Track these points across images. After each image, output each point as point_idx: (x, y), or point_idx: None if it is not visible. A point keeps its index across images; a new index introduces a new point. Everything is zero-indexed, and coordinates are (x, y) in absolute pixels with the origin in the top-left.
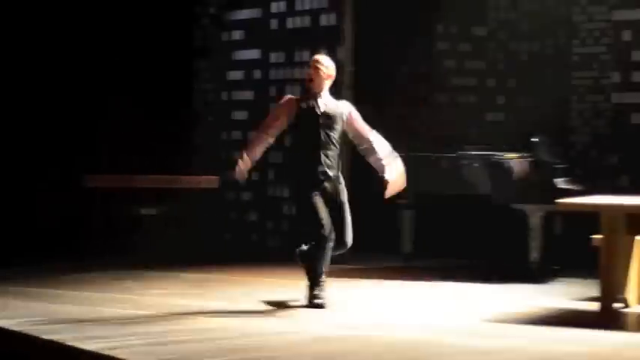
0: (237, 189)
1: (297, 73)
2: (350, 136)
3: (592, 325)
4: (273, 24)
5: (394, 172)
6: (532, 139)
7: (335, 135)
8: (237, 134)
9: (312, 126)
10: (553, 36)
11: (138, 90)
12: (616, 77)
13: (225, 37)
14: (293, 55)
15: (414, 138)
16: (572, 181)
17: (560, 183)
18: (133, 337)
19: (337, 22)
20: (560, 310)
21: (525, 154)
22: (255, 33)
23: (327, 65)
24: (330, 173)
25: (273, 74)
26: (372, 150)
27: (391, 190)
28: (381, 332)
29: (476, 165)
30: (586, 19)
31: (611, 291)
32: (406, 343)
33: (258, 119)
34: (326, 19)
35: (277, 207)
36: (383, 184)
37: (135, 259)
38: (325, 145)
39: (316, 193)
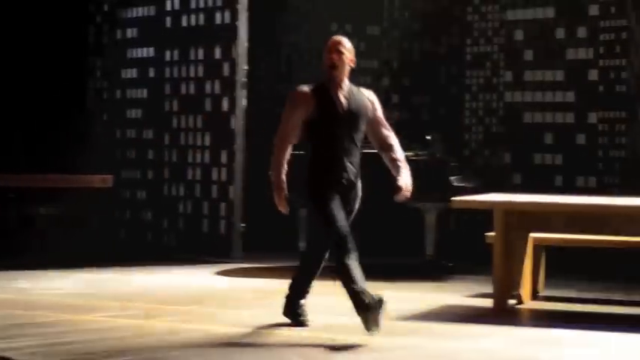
0: (132, 188)
1: (192, 71)
2: (368, 132)
3: (486, 321)
4: (168, 22)
5: (408, 176)
6: (426, 138)
7: (359, 136)
8: (131, 132)
9: (332, 126)
10: (446, 35)
11: (31, 88)
12: (508, 76)
13: (119, 35)
14: (188, 53)
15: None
16: (466, 179)
17: (455, 181)
18: (27, 338)
19: (232, 20)
20: (455, 306)
21: (420, 153)
22: (150, 31)
23: (349, 48)
24: (353, 180)
25: (168, 72)
26: (389, 147)
27: (404, 194)
28: (276, 330)
29: (371, 162)
30: (479, 19)
31: (505, 287)
32: (304, 340)
33: (152, 117)
34: (221, 17)
35: (173, 206)
36: (396, 187)
37: (29, 259)
38: (348, 150)
39: (334, 199)
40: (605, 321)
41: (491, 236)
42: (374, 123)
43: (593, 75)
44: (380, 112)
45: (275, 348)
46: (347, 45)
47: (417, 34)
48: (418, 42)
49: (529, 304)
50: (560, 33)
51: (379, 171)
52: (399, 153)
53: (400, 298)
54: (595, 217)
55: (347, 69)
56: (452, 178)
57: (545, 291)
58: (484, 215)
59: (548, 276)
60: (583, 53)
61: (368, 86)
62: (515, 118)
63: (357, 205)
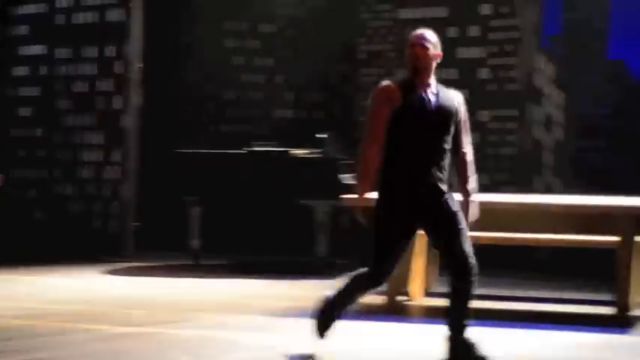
0: (23, 187)
1: (87, 69)
2: None
3: (378, 317)
4: (60, 19)
5: (474, 209)
6: (319, 136)
7: (448, 138)
8: (21, 132)
9: (419, 124)
10: (340, 33)
11: None
12: (401, 74)
13: (9, 32)
14: (80, 51)
15: (203, 135)
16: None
17: (347, 179)
18: None
19: (125, 18)
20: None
21: (312, 151)
22: (41, 28)
23: (434, 42)
24: (439, 185)
25: (60, 70)
26: (463, 164)
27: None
28: (166, 330)
29: (263, 161)
30: (372, 17)
31: (396, 284)
32: (193, 339)
33: (44, 116)
34: (113, 15)
35: (64, 205)
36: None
37: None
38: (435, 151)
39: (397, 224)
40: (489, 316)
41: None
42: (457, 128)
43: (484, 73)
44: (465, 117)
45: (164, 347)
46: (432, 39)
47: (311, 33)
48: (313, 40)
49: (419, 300)
50: (452, 32)
51: (269, 169)
52: (472, 170)
53: (290, 296)
54: (486, 215)
55: (433, 65)
56: (344, 176)
57: (437, 287)
58: None
59: (444, 273)
60: (475, 52)
61: (260, 85)
62: None
63: (455, 208)
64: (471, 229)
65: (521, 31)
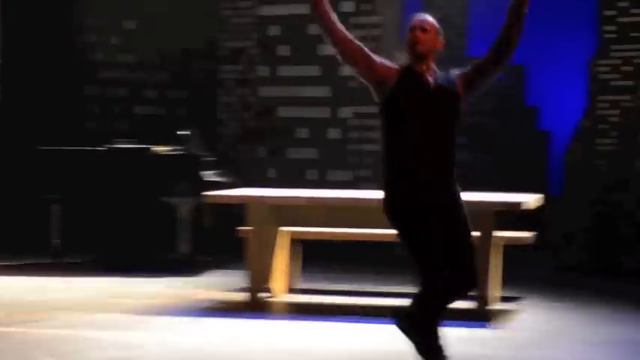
0: None
1: None
2: (474, 86)
3: (240, 314)
4: None
5: None
6: (181, 132)
7: (454, 120)
8: None
9: (418, 107)
10: (202, 30)
11: None
12: (263, 71)
13: None
14: None
15: (63, 132)
16: (221, 174)
17: (209, 175)
18: None
19: None
20: (210, 300)
21: (174, 148)
22: None
23: (437, 28)
24: (445, 178)
25: None
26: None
27: None
28: (28, 329)
29: (124, 158)
30: (234, 14)
31: (258, 281)
32: (54, 338)
33: None
34: None
35: None
36: None
37: None
38: (438, 138)
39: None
40: (351, 311)
41: (244, 230)
42: (475, 73)
43: (347, 70)
44: (469, 68)
45: (25, 347)
46: (434, 24)
47: (172, 29)
48: (174, 37)
49: (281, 296)
50: (312, 29)
51: (131, 167)
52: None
53: (152, 294)
54: (348, 211)
55: (433, 50)
56: (206, 172)
57: (300, 284)
58: (241, 210)
59: (307, 270)
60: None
61: (122, 81)
62: (269, 113)
63: (465, 213)
64: None
65: (382, 28)
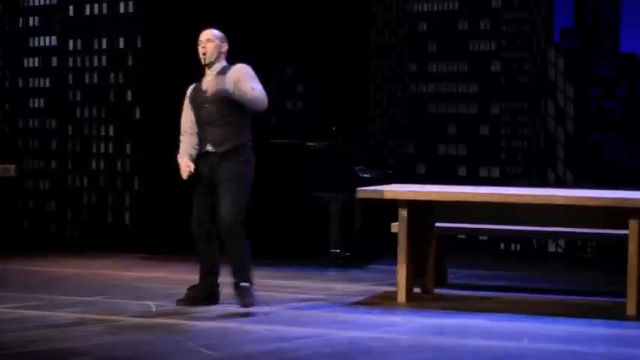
0: (36, 178)
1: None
2: None
3: (393, 311)
4: (71, 10)
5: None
6: (332, 128)
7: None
8: (34, 122)
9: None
10: (352, 25)
11: None
12: (412, 67)
13: (22, 23)
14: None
15: None
16: (372, 170)
17: (360, 171)
18: None
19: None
20: (363, 296)
21: (325, 143)
22: (53, 20)
23: (219, 35)
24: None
25: (71, 62)
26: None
27: None
28: None
29: (281, 153)
30: (383, 10)
31: (411, 277)
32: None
33: (56, 107)
34: (124, 7)
35: (77, 196)
36: None
37: None
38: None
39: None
40: (507, 309)
41: (397, 226)
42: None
43: (496, 66)
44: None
45: (180, 338)
46: (216, 33)
47: (322, 25)
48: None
49: (434, 293)
50: (462, 25)
51: (282, 164)
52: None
53: (306, 287)
54: (499, 207)
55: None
56: (357, 168)
57: (451, 279)
58: (391, 206)
59: (455, 265)
60: (486, 45)
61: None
62: (418, 109)
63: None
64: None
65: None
